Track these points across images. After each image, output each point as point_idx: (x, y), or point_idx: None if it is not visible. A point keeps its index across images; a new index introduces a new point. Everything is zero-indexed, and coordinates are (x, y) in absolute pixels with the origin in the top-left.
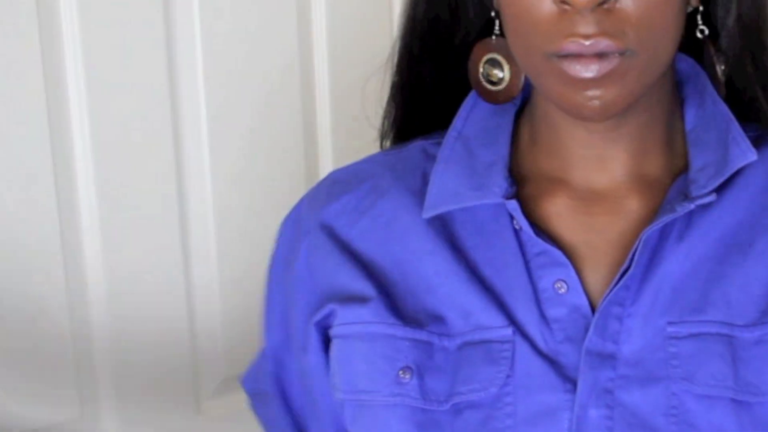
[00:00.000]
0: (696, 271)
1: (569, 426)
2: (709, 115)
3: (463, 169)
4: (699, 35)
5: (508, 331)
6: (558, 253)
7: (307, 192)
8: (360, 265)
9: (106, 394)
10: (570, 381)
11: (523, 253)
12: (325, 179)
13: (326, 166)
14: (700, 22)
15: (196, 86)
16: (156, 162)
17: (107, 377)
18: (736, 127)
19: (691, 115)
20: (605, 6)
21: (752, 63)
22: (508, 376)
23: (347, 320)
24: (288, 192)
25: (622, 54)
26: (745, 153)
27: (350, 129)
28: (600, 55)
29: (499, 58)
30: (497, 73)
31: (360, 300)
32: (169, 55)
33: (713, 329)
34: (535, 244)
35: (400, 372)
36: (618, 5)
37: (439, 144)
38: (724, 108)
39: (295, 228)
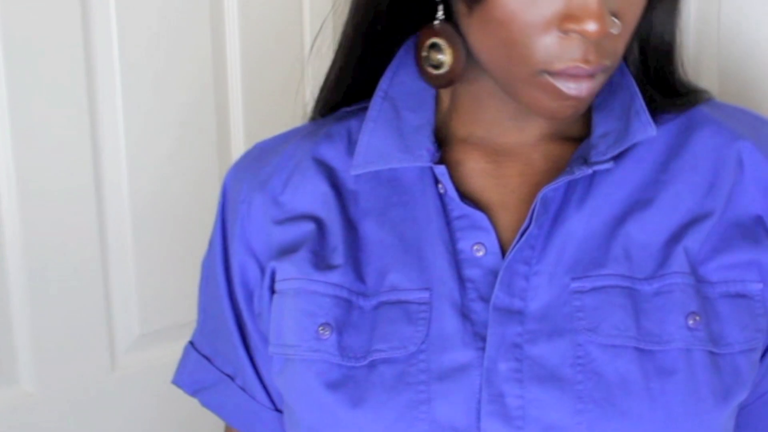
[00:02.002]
0: (598, 230)
1: (479, 380)
2: (616, 83)
3: (391, 130)
4: None
5: (426, 294)
6: (481, 216)
7: (233, 167)
8: (292, 221)
9: (21, 351)
10: (481, 338)
11: (445, 214)
12: (251, 150)
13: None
14: None
15: (113, 92)
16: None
17: (22, 333)
18: (639, 100)
19: None
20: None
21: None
22: (426, 336)
23: (282, 276)
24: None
25: (606, 70)
26: (645, 127)
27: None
28: (592, 75)
29: (442, 43)
30: (440, 58)
31: (291, 253)
32: (87, 65)
33: (614, 282)
34: (457, 206)
35: (320, 328)
36: (616, 28)
37: (362, 109)
38: (630, 80)
39: (227, 204)
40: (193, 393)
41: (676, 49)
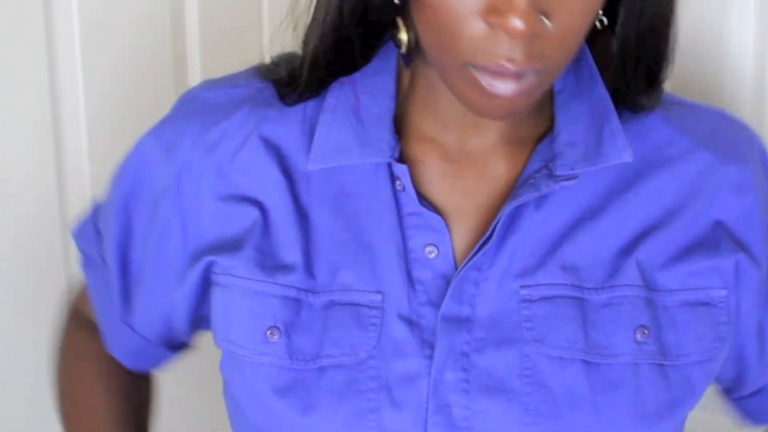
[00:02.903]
0: (550, 238)
1: (427, 390)
2: (586, 86)
3: (349, 120)
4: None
5: (378, 297)
6: (436, 218)
7: (177, 114)
8: (237, 202)
9: None
10: (429, 345)
11: (398, 211)
12: (195, 98)
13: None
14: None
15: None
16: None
17: None
18: (615, 118)
19: (561, 76)
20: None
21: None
22: (377, 342)
23: (224, 271)
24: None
25: (538, 73)
26: (620, 152)
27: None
28: (519, 75)
29: (399, 21)
30: (399, 37)
31: (234, 249)
32: None
33: (564, 292)
34: (412, 204)
35: (268, 332)
36: (546, 30)
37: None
38: (602, 87)
39: (166, 155)
40: (80, 250)
41: (669, 40)
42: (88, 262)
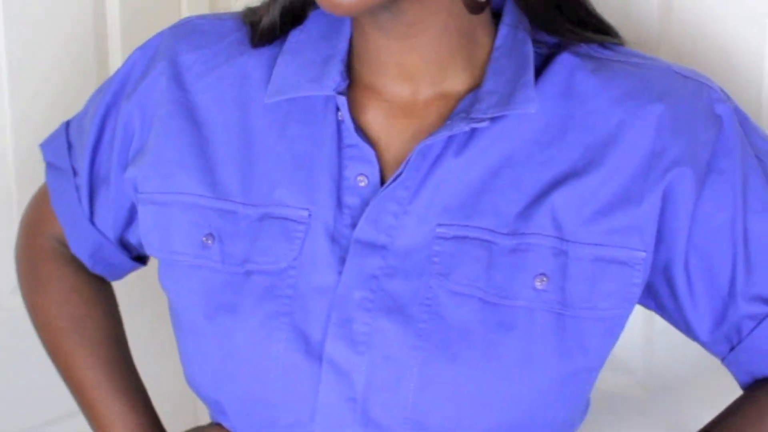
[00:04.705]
0: (471, 182)
1: (331, 302)
2: (520, 41)
3: (303, 61)
4: None
5: (305, 214)
6: (369, 150)
7: (167, 30)
8: (191, 122)
9: None
10: (344, 264)
11: (339, 141)
12: (188, 23)
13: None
14: None
15: None
16: None
17: None
18: (530, 72)
19: (503, 33)
20: None
21: None
22: (299, 254)
23: (165, 189)
24: None
25: None
26: (527, 103)
27: None
28: None
29: None
30: None
31: (178, 166)
32: None
33: (476, 234)
34: (351, 137)
35: (204, 238)
36: None
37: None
38: (527, 43)
39: (151, 55)
40: (47, 163)
41: None
42: (54, 172)
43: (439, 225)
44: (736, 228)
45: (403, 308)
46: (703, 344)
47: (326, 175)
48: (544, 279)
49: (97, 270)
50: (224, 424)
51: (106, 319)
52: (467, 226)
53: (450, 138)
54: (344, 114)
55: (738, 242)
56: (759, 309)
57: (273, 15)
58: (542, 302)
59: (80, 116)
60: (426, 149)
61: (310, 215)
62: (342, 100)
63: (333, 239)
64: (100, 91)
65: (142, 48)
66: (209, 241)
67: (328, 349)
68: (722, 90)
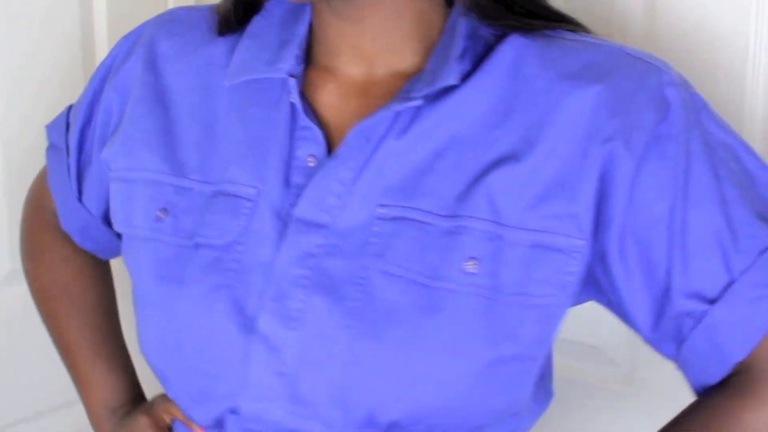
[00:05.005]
0: (415, 162)
1: (266, 277)
2: (460, 28)
3: (261, 45)
4: None
5: (253, 191)
6: (317, 131)
7: (152, 18)
8: (160, 105)
9: None
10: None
11: (294, 124)
12: (170, 13)
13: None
14: None
15: None
16: None
17: None
18: (457, 46)
19: (453, 16)
20: None
21: None
22: (244, 229)
23: (130, 166)
24: None
25: None
26: (448, 75)
27: None
28: None
29: None
30: None
31: (145, 146)
32: None
33: (414, 215)
34: (303, 119)
35: (159, 212)
36: None
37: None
38: (459, 18)
39: (132, 42)
40: (50, 143)
41: None
42: (53, 150)
43: (380, 206)
44: (674, 218)
45: (337, 287)
46: (649, 342)
47: (277, 155)
48: (476, 263)
49: (86, 246)
50: (168, 393)
51: (93, 289)
52: (407, 207)
53: (395, 119)
54: (294, 96)
55: (675, 234)
56: (697, 306)
57: (228, 3)
58: (472, 286)
59: (79, 100)
60: (369, 130)
61: (258, 193)
62: (293, 83)
63: (278, 216)
64: (92, 75)
65: (127, 35)
66: (163, 215)
67: (261, 323)
68: (680, 76)
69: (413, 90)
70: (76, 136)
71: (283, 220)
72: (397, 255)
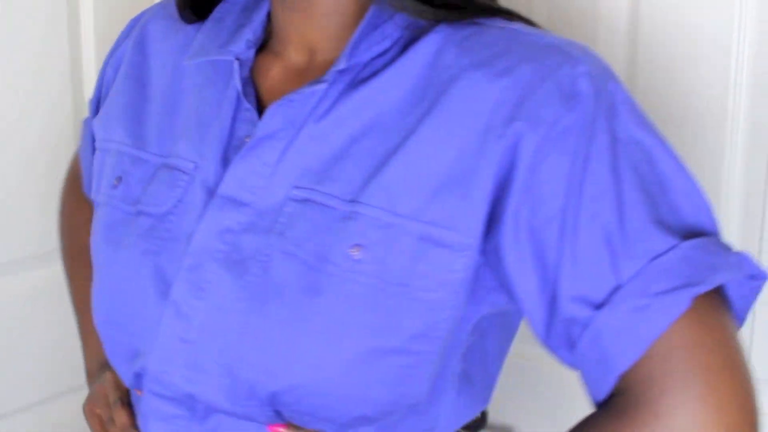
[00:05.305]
0: (333, 147)
1: (185, 248)
2: (388, 15)
3: (220, 29)
4: None
5: (191, 166)
6: (253, 112)
7: (157, 3)
8: (139, 83)
9: None
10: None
11: (238, 105)
12: (165, 2)
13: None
14: None
15: None
16: None
17: None
18: (365, 33)
19: (382, 3)
20: None
21: None
22: (179, 201)
23: (106, 137)
24: None
25: None
26: (340, 61)
27: None
28: None
29: None
30: None
31: (117, 119)
32: None
33: (321, 199)
34: (243, 100)
35: (115, 180)
36: None
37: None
38: (386, 11)
39: (133, 24)
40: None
41: None
42: (85, 122)
43: (296, 187)
44: (567, 217)
45: (245, 262)
46: (547, 348)
47: (218, 133)
48: (360, 249)
49: None
50: (106, 352)
51: None
52: (316, 190)
53: (318, 103)
54: (236, 78)
55: (567, 233)
56: (583, 311)
57: None
58: (355, 272)
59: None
60: (291, 114)
61: (195, 167)
62: (236, 66)
63: (208, 192)
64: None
65: (135, 17)
66: (117, 183)
67: (174, 290)
68: (601, 68)
69: (325, 75)
70: (92, 108)
71: (211, 195)
72: (296, 235)
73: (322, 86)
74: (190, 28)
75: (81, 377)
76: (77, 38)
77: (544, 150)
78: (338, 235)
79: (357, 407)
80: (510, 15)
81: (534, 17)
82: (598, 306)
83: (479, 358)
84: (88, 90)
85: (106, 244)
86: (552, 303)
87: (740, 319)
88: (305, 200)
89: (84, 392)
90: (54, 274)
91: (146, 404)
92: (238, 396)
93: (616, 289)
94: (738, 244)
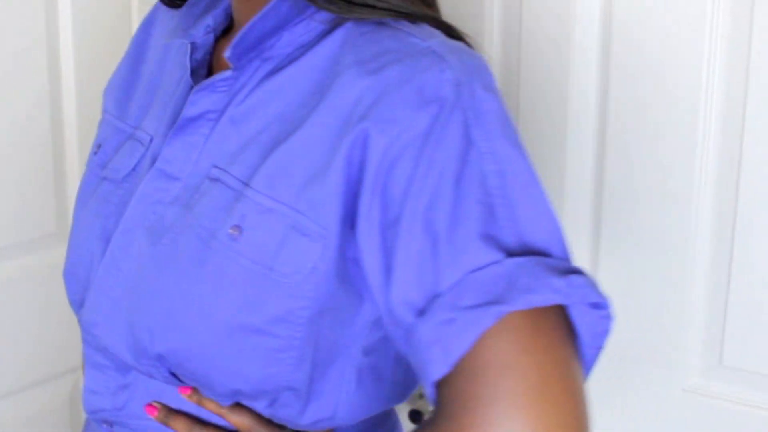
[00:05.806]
0: (248, 132)
1: (120, 215)
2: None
3: (190, 14)
4: None
5: (147, 138)
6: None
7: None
8: (138, 63)
9: None
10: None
11: (192, 84)
12: None
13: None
14: None
15: None
16: None
17: None
18: (257, 24)
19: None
20: None
21: None
22: (132, 170)
23: (104, 107)
24: None
25: None
26: (228, 49)
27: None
28: None
29: None
30: None
31: (118, 90)
32: None
33: (227, 180)
34: (191, 81)
35: (96, 147)
36: None
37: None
38: (293, 5)
39: (153, 10)
40: None
41: None
42: None
43: (214, 167)
44: (407, 221)
45: (162, 230)
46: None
47: (171, 111)
48: (236, 230)
49: None
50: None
51: None
52: (227, 171)
53: (241, 88)
54: (186, 61)
55: (402, 237)
56: (408, 317)
57: None
58: (233, 251)
59: None
60: (215, 97)
61: (150, 140)
62: (187, 49)
63: (153, 163)
64: None
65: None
66: (97, 149)
67: (108, 250)
68: (479, 77)
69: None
70: None
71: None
72: (200, 211)
73: (227, 73)
74: (182, 11)
75: (63, 364)
76: (56, 39)
77: (393, 152)
78: (227, 214)
79: (231, 380)
80: (431, 20)
81: (508, 20)
82: (420, 313)
83: (392, 355)
84: (67, 81)
85: (78, 204)
86: (388, 305)
87: (588, 347)
88: (216, 179)
89: (65, 379)
90: (35, 262)
91: (85, 351)
92: (137, 353)
93: (435, 297)
94: (709, 249)
